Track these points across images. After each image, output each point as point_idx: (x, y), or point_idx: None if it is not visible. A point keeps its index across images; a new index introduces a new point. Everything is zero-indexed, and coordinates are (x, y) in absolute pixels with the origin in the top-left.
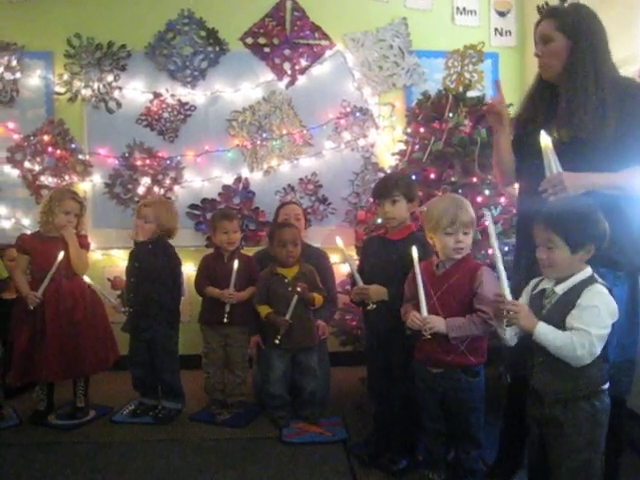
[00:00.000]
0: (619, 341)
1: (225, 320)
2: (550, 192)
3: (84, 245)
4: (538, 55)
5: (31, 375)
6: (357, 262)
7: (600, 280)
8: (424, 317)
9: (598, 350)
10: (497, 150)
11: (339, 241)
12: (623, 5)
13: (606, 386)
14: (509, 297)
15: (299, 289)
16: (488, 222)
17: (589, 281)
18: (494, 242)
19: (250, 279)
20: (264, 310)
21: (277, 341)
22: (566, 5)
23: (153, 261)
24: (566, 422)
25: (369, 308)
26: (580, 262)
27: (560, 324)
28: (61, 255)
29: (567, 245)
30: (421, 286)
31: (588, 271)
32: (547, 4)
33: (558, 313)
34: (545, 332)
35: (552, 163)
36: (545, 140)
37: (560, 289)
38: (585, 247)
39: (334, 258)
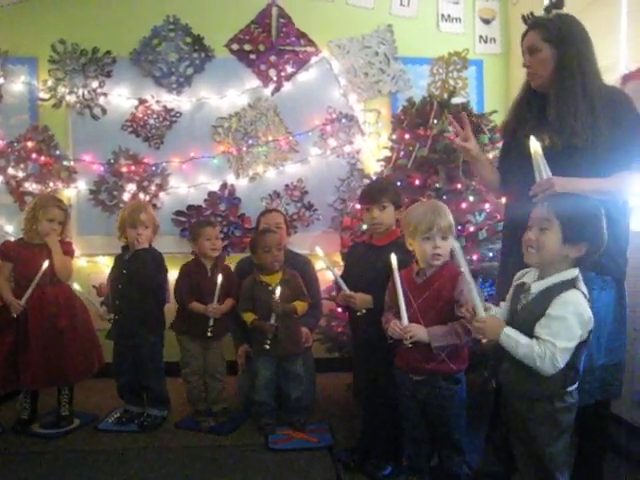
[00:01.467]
0: (607, 345)
1: (209, 334)
2: (540, 197)
3: (68, 252)
4: (526, 66)
5: (14, 383)
6: (342, 268)
7: (581, 286)
8: (405, 326)
9: (561, 362)
10: (480, 176)
11: (319, 250)
12: (604, 14)
13: (571, 388)
14: (480, 310)
15: (275, 305)
16: (456, 251)
17: (567, 285)
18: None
19: (229, 290)
20: (249, 317)
21: (267, 346)
22: (551, 15)
23: (142, 268)
24: (529, 419)
25: (358, 314)
26: (566, 259)
27: (529, 325)
28: (46, 263)
29: (561, 231)
30: (401, 294)
31: (571, 273)
32: (532, 14)
33: (529, 313)
34: (508, 342)
35: (542, 168)
36: (534, 145)
37: (536, 287)
38: (577, 244)
39: (320, 264)
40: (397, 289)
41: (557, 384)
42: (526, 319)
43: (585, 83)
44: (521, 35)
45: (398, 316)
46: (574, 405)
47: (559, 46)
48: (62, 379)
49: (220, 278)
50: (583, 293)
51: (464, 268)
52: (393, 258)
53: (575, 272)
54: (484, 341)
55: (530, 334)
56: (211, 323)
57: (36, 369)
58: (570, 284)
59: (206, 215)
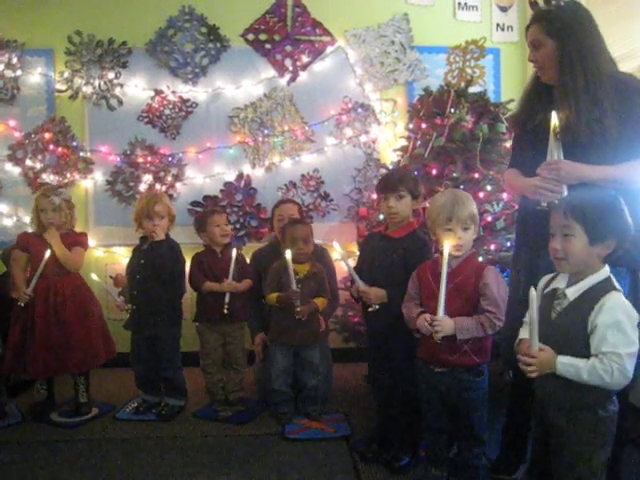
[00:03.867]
0: None
1: (225, 311)
2: (544, 175)
3: (79, 242)
4: (532, 60)
5: (20, 369)
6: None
7: (617, 285)
8: (435, 319)
9: (631, 370)
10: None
11: (336, 245)
12: (622, 1)
13: (613, 397)
14: (535, 343)
15: (300, 314)
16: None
17: (604, 287)
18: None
19: (242, 273)
20: (273, 297)
21: (298, 308)
22: (552, 6)
23: (159, 258)
24: (568, 431)
25: (370, 310)
26: (597, 258)
27: (569, 334)
28: (48, 253)
29: (586, 234)
30: (444, 288)
31: (604, 272)
32: (536, 3)
33: (568, 320)
34: (566, 369)
35: (554, 148)
36: (554, 121)
37: (571, 293)
38: (605, 241)
39: (336, 254)
40: (442, 284)
41: (603, 392)
42: (564, 327)
43: (587, 75)
44: (525, 28)
45: (423, 305)
46: (615, 413)
47: (561, 39)
48: (63, 368)
49: (234, 253)
50: (621, 291)
51: None
52: (446, 247)
53: (607, 269)
54: (534, 375)
55: (570, 342)
56: (227, 299)
57: (38, 357)
58: (607, 284)
59: (222, 205)
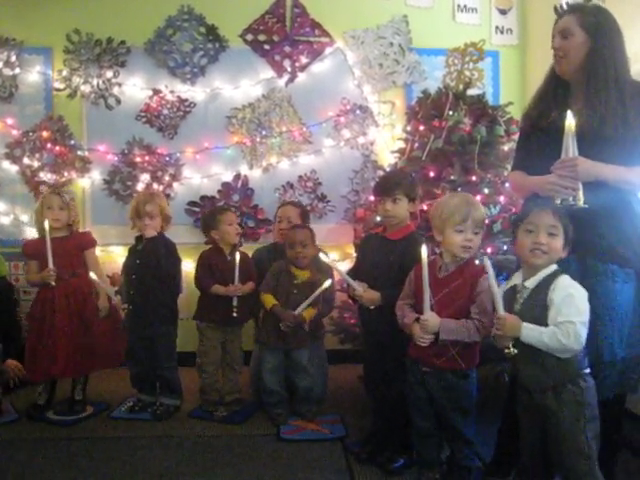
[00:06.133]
0: (627, 338)
1: (234, 314)
2: (560, 172)
3: (90, 243)
4: (555, 48)
5: (44, 372)
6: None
7: (564, 273)
8: (423, 318)
9: (584, 336)
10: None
11: (324, 256)
12: (628, 2)
13: (587, 370)
14: (500, 308)
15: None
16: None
17: (555, 274)
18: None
19: (247, 275)
20: (269, 301)
21: (283, 327)
22: (590, 4)
23: (155, 258)
24: (559, 408)
25: (372, 307)
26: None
27: (533, 316)
28: (47, 223)
29: (563, 237)
30: (427, 286)
31: (554, 266)
32: (568, 4)
33: (530, 306)
34: (531, 334)
35: (570, 146)
36: (570, 121)
37: (530, 284)
38: (568, 246)
39: (332, 255)
40: (424, 281)
41: (576, 365)
42: (528, 313)
43: (617, 74)
44: (555, 18)
45: (415, 308)
46: (594, 388)
47: (594, 35)
48: (89, 367)
49: (238, 256)
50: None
51: None
52: (423, 250)
53: (555, 265)
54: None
55: (534, 323)
56: (235, 303)
57: (64, 358)
58: (557, 273)
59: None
